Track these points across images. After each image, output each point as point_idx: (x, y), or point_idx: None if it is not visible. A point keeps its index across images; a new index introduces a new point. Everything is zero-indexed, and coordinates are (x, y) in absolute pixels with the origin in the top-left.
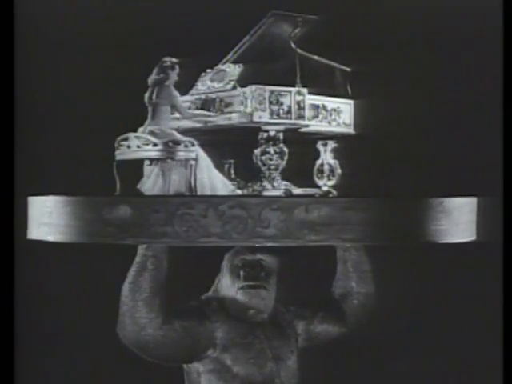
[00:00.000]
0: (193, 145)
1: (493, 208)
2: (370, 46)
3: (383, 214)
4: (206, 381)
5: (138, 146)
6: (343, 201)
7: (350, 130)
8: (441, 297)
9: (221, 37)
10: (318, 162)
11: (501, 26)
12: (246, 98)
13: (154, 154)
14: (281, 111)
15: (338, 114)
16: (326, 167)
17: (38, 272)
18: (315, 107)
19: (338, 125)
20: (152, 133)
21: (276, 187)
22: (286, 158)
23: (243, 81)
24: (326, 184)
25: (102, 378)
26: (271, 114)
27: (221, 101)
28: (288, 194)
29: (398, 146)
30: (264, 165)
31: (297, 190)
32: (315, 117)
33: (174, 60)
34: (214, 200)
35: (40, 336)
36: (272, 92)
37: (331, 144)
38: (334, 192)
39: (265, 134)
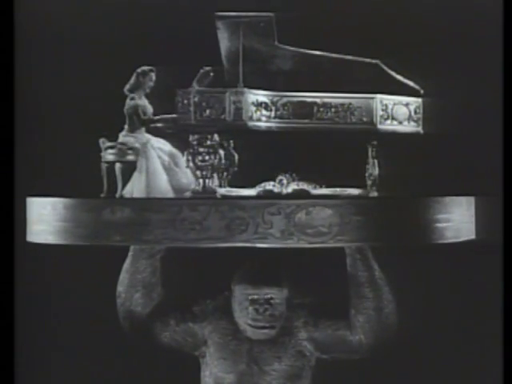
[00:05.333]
0: (130, 148)
1: (493, 207)
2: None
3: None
4: (201, 372)
5: (105, 148)
6: (141, 202)
7: (372, 126)
8: (440, 297)
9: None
10: (367, 161)
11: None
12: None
13: (108, 157)
14: (213, 112)
15: (350, 111)
16: (369, 166)
17: (37, 273)
18: (307, 105)
19: (350, 122)
20: (124, 136)
21: (207, 188)
22: (222, 158)
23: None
24: (367, 184)
25: (102, 378)
26: (200, 115)
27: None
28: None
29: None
30: (196, 166)
31: (321, 190)
32: (309, 115)
33: (145, 68)
34: (56, 202)
35: (40, 336)
36: (202, 94)
37: (372, 143)
38: (374, 193)
39: (195, 136)
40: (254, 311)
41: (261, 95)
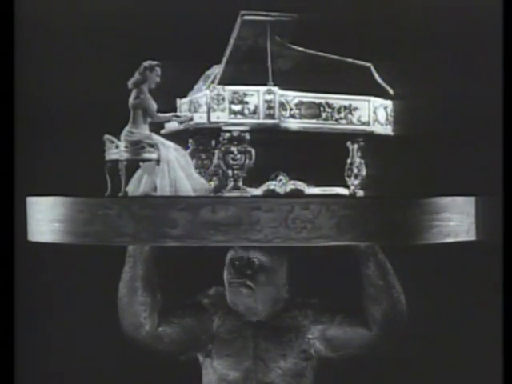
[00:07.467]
0: (151, 146)
1: (493, 208)
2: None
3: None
4: (203, 371)
5: (110, 147)
6: (248, 200)
7: (368, 128)
8: (440, 297)
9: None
10: (348, 161)
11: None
12: (207, 99)
13: (118, 155)
14: (246, 111)
15: (350, 112)
16: (353, 166)
17: (37, 273)
18: (315, 105)
19: (351, 123)
20: (130, 134)
21: (239, 187)
22: (253, 157)
23: (227, 81)
24: (353, 183)
25: (102, 378)
26: (233, 113)
27: (195, 102)
28: (269, 194)
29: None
30: (227, 165)
31: (313, 190)
32: (317, 116)
33: (153, 63)
34: (127, 201)
35: (40, 336)
36: (235, 92)
37: (358, 143)
38: (361, 192)
39: (227, 134)
40: (233, 268)
41: (290, 95)
